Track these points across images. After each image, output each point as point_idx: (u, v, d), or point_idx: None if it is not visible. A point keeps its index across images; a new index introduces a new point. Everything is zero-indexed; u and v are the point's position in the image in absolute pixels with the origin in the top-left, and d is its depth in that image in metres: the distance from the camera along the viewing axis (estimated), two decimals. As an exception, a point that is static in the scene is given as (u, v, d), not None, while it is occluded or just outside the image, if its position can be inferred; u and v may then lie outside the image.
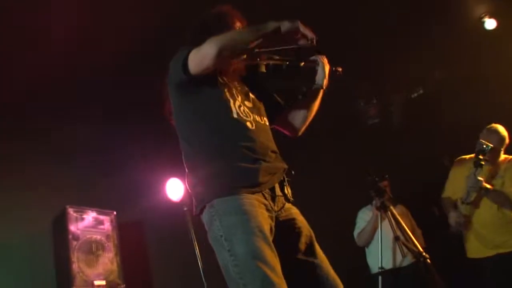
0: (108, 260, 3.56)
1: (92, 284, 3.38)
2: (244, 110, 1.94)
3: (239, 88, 2.02)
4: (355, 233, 4.24)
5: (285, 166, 1.98)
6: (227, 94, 1.94)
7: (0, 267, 3.36)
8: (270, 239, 1.70)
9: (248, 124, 1.90)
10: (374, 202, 4.01)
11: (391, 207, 3.80)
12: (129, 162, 4.05)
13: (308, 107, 2.19)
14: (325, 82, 2.18)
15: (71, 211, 3.49)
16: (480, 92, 4.55)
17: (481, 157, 3.29)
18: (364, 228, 4.13)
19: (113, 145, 3.99)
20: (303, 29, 1.89)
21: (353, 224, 4.32)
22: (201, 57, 1.79)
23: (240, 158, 1.81)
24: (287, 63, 2.07)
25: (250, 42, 1.86)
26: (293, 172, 2.00)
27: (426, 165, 4.81)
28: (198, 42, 1.86)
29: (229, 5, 2.21)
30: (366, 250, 4.19)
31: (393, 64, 4.66)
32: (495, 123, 3.59)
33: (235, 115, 1.89)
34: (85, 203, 3.69)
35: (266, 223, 1.73)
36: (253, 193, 1.77)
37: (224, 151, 1.84)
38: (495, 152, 3.46)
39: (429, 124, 5.07)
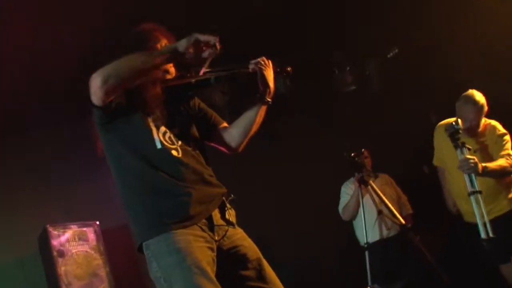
0: (97, 270, 3.60)
1: (83, 298, 3.44)
2: (169, 138, 1.86)
3: (163, 113, 1.91)
4: (340, 207, 4.25)
5: (223, 190, 1.92)
6: (150, 124, 1.86)
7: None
8: (211, 272, 1.68)
9: (174, 152, 1.83)
10: (355, 175, 4.00)
11: (371, 182, 3.78)
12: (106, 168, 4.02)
13: (248, 120, 2.04)
14: (270, 88, 2.01)
15: (51, 229, 3.50)
16: (457, 54, 4.40)
17: (458, 137, 2.95)
18: (348, 203, 4.13)
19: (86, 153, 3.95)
20: (203, 38, 1.76)
21: (338, 198, 4.33)
22: (93, 88, 1.73)
23: (167, 191, 1.77)
24: (214, 76, 1.96)
25: (142, 69, 1.75)
26: (232, 196, 1.95)
27: (412, 127, 4.75)
28: None
29: (152, 23, 2.09)
30: (354, 223, 4.21)
31: (367, 27, 4.52)
32: (472, 87, 3.29)
33: (159, 146, 1.82)
34: (69, 217, 3.71)
35: (204, 256, 1.71)
36: (185, 227, 1.73)
37: (151, 187, 1.78)
38: (474, 125, 3.21)
39: (410, 84, 4.96)
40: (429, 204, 4.18)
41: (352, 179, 4.21)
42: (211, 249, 1.76)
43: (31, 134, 3.97)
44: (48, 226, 3.49)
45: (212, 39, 1.77)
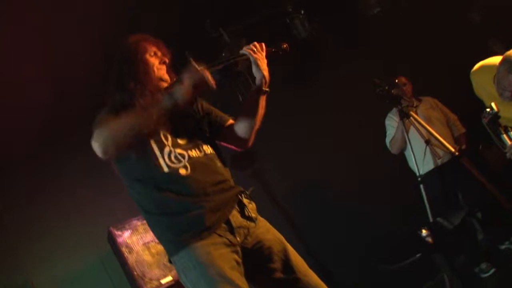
0: (165, 257, 3.79)
1: (160, 284, 3.66)
2: (175, 156, 1.85)
3: (166, 127, 1.89)
4: (387, 141, 4.11)
5: (237, 189, 1.91)
6: (153, 147, 1.85)
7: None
8: (236, 277, 1.73)
9: (182, 171, 1.83)
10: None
11: (413, 113, 3.59)
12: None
13: (250, 112, 1.98)
14: (265, 77, 1.92)
15: (113, 229, 3.69)
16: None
17: (499, 123, 2.53)
18: (394, 136, 3.97)
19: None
20: (197, 80, 1.72)
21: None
22: (96, 153, 1.78)
23: (180, 210, 1.79)
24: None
25: (140, 131, 1.77)
26: (249, 191, 1.94)
27: (449, 42, 4.38)
28: (113, 100, 1.88)
29: (140, 33, 2.03)
30: (405, 154, 4.07)
31: None
32: None
33: (165, 169, 1.83)
34: (132, 212, 3.86)
35: (227, 262, 1.75)
36: (204, 238, 1.77)
37: (164, 209, 1.82)
38: None
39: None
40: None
41: (394, 110, 4.02)
42: (235, 252, 1.80)
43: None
44: (110, 228, 3.68)
45: (204, 79, 1.73)
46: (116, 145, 1.76)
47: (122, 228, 3.75)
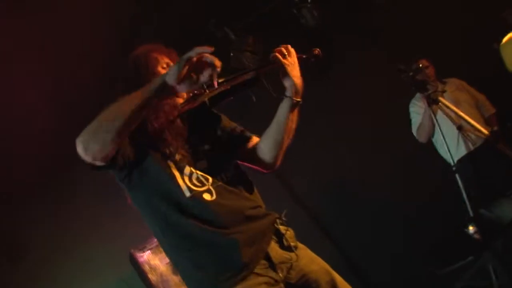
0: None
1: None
2: (197, 179, 1.60)
3: (184, 148, 1.65)
4: (413, 130, 3.85)
5: (273, 217, 1.67)
6: (172, 168, 1.59)
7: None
8: None
9: (206, 196, 1.57)
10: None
11: (441, 99, 3.34)
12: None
13: (279, 129, 1.71)
14: (296, 85, 1.66)
15: (134, 251, 3.55)
16: None
17: None
18: (421, 123, 3.72)
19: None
20: (194, 56, 1.40)
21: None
22: (81, 156, 1.49)
23: (211, 244, 1.55)
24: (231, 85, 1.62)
25: (124, 122, 1.43)
26: (284, 214, 1.70)
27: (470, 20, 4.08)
28: None
29: (149, 44, 1.79)
30: (433, 141, 3.82)
31: None
32: None
33: (187, 194, 1.57)
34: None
35: None
36: (244, 279, 1.52)
37: (191, 242, 1.57)
38: None
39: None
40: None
41: (418, 95, 3.78)
42: None
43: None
44: (131, 250, 3.54)
45: (206, 55, 1.42)
46: (97, 140, 1.44)
47: (144, 249, 3.60)
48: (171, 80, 1.42)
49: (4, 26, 2.80)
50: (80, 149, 1.46)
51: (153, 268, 3.57)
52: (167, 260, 3.59)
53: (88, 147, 1.45)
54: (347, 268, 4.01)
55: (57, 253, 3.70)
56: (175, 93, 1.57)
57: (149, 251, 3.60)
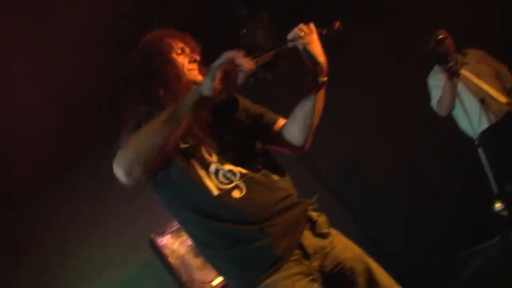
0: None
1: (212, 287, 3.50)
2: (224, 174, 1.55)
3: (208, 142, 1.59)
4: (433, 103, 3.74)
5: (305, 204, 1.62)
6: (196, 167, 1.55)
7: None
8: None
9: (235, 193, 1.53)
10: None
11: (463, 72, 3.24)
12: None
13: (307, 111, 1.64)
14: (320, 64, 1.57)
15: (154, 236, 3.54)
16: None
17: None
18: (441, 97, 3.61)
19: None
20: (228, 64, 1.36)
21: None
22: (119, 177, 1.49)
23: (243, 241, 1.52)
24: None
25: (166, 142, 1.43)
26: (315, 199, 1.65)
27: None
28: (136, 115, 1.58)
29: (158, 30, 1.72)
30: (454, 115, 3.73)
31: None
32: None
33: (215, 192, 1.53)
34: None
35: None
36: (277, 271, 1.49)
37: (222, 241, 1.54)
38: None
39: None
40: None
41: (436, 68, 3.67)
42: (314, 280, 1.54)
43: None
44: (151, 235, 3.53)
45: (237, 59, 1.37)
46: (140, 164, 1.45)
47: (163, 233, 3.59)
48: (207, 92, 1.38)
49: (3, 26, 2.75)
50: (121, 175, 1.46)
51: (174, 253, 3.56)
52: (187, 243, 3.58)
53: (132, 173, 1.46)
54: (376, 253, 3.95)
55: (71, 241, 3.70)
56: (213, 104, 1.52)
57: (169, 235, 3.59)
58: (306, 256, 1.55)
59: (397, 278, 1.69)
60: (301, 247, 1.55)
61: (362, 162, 4.15)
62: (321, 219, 1.64)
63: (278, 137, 1.73)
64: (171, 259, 3.53)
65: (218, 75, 1.35)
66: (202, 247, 1.63)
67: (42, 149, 3.34)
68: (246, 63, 1.37)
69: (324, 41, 1.62)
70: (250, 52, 1.56)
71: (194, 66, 1.67)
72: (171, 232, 3.60)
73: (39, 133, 3.27)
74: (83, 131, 3.46)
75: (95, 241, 3.67)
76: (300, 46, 1.55)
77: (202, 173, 1.55)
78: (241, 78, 1.39)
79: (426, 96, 3.76)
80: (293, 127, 1.70)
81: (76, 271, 3.64)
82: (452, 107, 3.61)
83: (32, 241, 3.58)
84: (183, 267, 3.53)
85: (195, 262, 3.57)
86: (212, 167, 1.55)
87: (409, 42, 3.45)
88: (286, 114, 1.77)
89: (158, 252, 3.56)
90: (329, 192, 3.91)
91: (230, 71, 1.37)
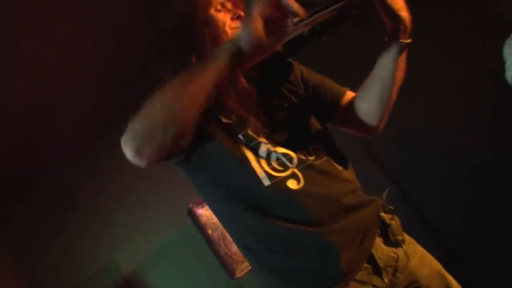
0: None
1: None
2: (278, 158, 1.20)
3: (257, 117, 1.24)
4: (507, 74, 3.29)
5: (376, 204, 1.28)
6: (242, 148, 1.20)
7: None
8: None
9: (291, 183, 1.18)
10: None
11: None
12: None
13: (385, 81, 1.28)
14: (403, 21, 1.19)
15: (192, 205, 3.44)
16: None
17: None
18: (519, 67, 3.18)
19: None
20: (272, 6, 0.98)
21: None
22: (127, 156, 1.12)
23: (298, 245, 1.18)
24: (309, 28, 1.14)
25: (187, 106, 1.04)
26: (385, 195, 1.30)
27: None
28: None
29: None
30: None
31: None
32: None
33: (266, 182, 1.17)
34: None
35: None
36: None
37: (272, 243, 1.19)
38: None
39: None
40: None
41: (512, 35, 3.23)
42: None
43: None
44: (190, 204, 3.41)
45: (287, 2, 0.98)
46: (153, 141, 1.08)
47: (202, 203, 3.45)
48: (247, 43, 0.99)
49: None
50: (129, 154, 1.10)
51: (213, 225, 3.43)
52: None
53: (141, 152, 1.09)
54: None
55: (116, 208, 3.73)
56: (253, 64, 1.08)
57: (207, 207, 3.46)
58: (377, 270, 1.21)
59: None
60: (371, 259, 1.22)
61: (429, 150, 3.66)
62: (394, 223, 1.29)
63: (345, 115, 1.39)
64: (210, 230, 3.40)
65: (258, 21, 0.98)
66: (243, 249, 1.28)
67: (84, 119, 3.39)
68: (294, 4, 0.99)
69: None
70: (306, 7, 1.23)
71: (237, 23, 1.28)
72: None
73: (79, 104, 3.27)
74: (122, 103, 3.40)
75: (134, 206, 3.67)
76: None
77: (250, 155, 1.21)
78: (291, 29, 1.02)
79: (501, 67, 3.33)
80: (365, 101, 1.34)
81: (116, 233, 3.71)
82: (531, 80, 3.18)
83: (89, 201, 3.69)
84: (222, 240, 3.39)
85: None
86: (263, 149, 1.21)
87: (482, 4, 2.99)
88: (353, 87, 1.43)
89: (196, 221, 3.44)
90: (396, 187, 3.44)
91: (275, 17, 1.00)
